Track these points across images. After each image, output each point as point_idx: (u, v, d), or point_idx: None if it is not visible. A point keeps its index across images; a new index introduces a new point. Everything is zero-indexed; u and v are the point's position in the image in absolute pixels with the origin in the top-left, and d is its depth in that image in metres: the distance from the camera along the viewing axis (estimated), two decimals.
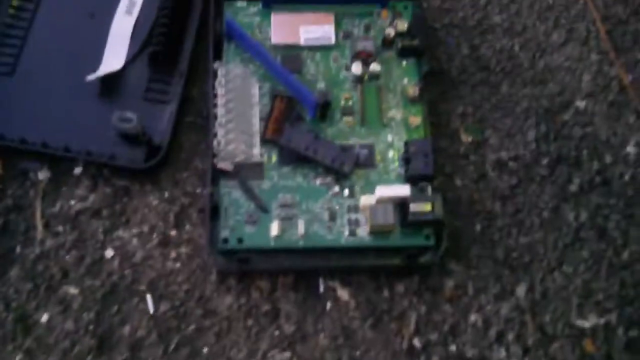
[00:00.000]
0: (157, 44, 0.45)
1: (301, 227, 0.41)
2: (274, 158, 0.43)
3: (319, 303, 0.41)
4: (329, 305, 0.41)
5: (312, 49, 0.47)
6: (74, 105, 0.44)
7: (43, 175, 0.43)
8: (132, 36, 0.46)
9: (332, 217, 0.42)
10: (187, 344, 0.40)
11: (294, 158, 0.43)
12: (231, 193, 0.42)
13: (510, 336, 0.41)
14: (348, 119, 0.45)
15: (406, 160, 0.43)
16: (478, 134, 0.46)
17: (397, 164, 0.44)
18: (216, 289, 0.41)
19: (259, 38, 0.46)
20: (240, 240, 0.41)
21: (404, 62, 0.47)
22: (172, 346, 0.40)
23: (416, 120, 0.45)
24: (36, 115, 0.44)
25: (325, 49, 0.47)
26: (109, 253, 0.42)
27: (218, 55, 0.45)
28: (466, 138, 0.46)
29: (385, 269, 0.42)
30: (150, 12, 0.46)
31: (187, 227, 0.43)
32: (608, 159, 0.46)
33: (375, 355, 0.40)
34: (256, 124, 0.44)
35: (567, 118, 0.47)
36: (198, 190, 0.43)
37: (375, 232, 0.41)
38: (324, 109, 0.44)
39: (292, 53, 0.46)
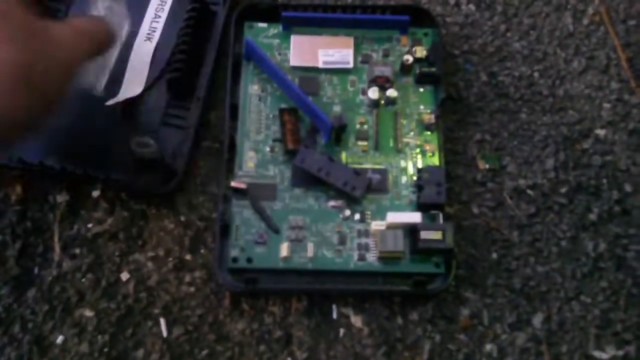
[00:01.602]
0: (176, 70, 0.45)
1: (310, 250, 0.41)
2: (287, 179, 0.43)
3: (332, 329, 0.41)
4: (341, 332, 0.41)
5: (330, 72, 0.47)
6: (94, 129, 0.45)
7: (62, 198, 0.44)
8: (152, 62, 0.47)
9: (342, 241, 0.42)
10: None
11: (307, 180, 0.43)
12: (243, 212, 0.42)
13: None
14: (362, 143, 0.45)
15: (419, 187, 0.43)
16: (496, 161, 0.46)
17: (410, 189, 0.44)
18: (229, 314, 0.41)
19: (277, 60, 0.47)
20: (249, 260, 0.41)
21: (421, 89, 0.47)
22: None
23: (431, 147, 0.45)
24: (55, 139, 0.44)
25: (343, 72, 0.47)
26: (125, 276, 0.42)
27: (236, 77, 0.46)
28: (483, 165, 0.46)
29: (393, 294, 0.42)
30: (170, 37, 0.47)
31: (202, 251, 0.43)
32: (628, 188, 0.45)
33: None
34: (269, 144, 0.45)
35: (586, 146, 0.47)
36: (214, 215, 0.44)
37: (384, 257, 0.41)
38: (338, 133, 0.44)
39: (310, 75, 0.47)
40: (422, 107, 0.46)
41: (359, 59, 0.48)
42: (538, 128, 0.47)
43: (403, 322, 0.41)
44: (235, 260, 0.41)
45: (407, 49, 0.48)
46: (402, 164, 0.44)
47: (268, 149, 0.44)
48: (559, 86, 0.49)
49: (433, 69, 0.46)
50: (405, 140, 0.45)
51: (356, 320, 0.41)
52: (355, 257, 0.42)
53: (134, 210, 0.44)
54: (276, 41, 0.48)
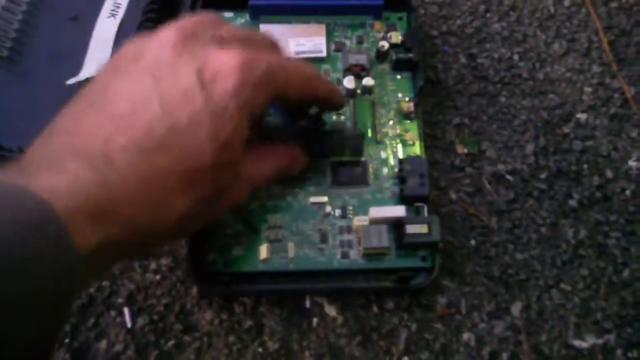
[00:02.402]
0: None
1: (291, 250, 0.39)
2: None
3: (304, 319, 0.40)
4: (315, 321, 0.40)
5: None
6: (55, 109, 0.43)
7: None
8: (116, 39, 0.45)
9: (324, 238, 0.40)
10: None
11: (284, 178, 0.40)
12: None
13: (505, 356, 0.39)
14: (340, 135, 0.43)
15: (401, 179, 0.41)
16: (474, 146, 0.45)
17: (391, 181, 0.42)
18: (197, 303, 0.39)
19: None
20: (227, 264, 0.39)
21: (398, 76, 0.45)
22: None
23: (411, 136, 0.43)
24: (14, 120, 0.42)
25: (316, 61, 0.45)
26: None
27: None
28: (462, 150, 0.45)
29: (377, 291, 0.40)
30: (135, 14, 0.45)
31: None
32: (609, 174, 0.44)
33: None
34: None
35: (567, 131, 0.46)
36: None
37: (368, 254, 0.39)
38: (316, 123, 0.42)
39: None
40: (400, 95, 0.44)
41: (332, 47, 0.46)
42: (518, 112, 0.46)
43: (379, 310, 0.40)
44: (212, 263, 0.39)
45: (381, 34, 0.46)
46: (383, 155, 0.43)
47: None
48: (539, 69, 0.48)
49: (410, 55, 0.44)
50: (384, 130, 0.43)
51: (330, 310, 0.40)
52: (339, 255, 0.40)
53: None
54: None
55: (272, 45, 0.35)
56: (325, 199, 0.41)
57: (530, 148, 0.45)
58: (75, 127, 0.28)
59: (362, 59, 0.44)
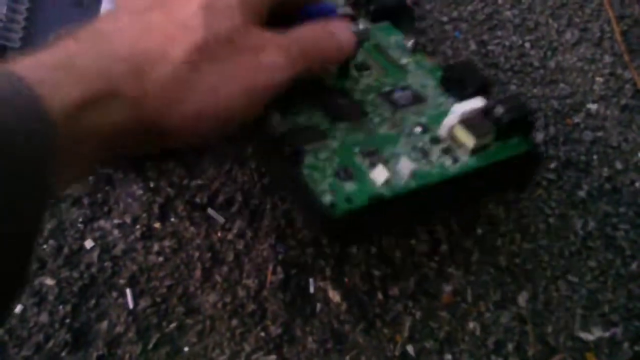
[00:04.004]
0: None
1: (406, 167, 0.35)
2: (324, 121, 0.38)
3: (308, 304, 0.39)
4: (318, 307, 0.39)
5: None
6: None
7: None
8: None
9: (424, 153, 0.37)
10: (167, 342, 0.38)
11: (344, 115, 0.38)
12: (305, 160, 0.35)
13: (510, 346, 0.39)
14: (367, 72, 0.41)
15: (458, 81, 0.40)
16: None
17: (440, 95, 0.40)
18: (200, 286, 0.39)
19: None
20: (349, 200, 0.33)
21: (379, 25, 0.44)
22: (152, 344, 0.37)
23: (430, 59, 0.43)
24: None
25: None
26: (89, 244, 0.40)
27: None
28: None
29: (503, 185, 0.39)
30: None
31: (173, 219, 0.40)
32: (619, 165, 0.44)
33: None
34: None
35: (577, 121, 0.45)
36: (185, 182, 0.41)
37: (477, 150, 0.36)
38: (343, 67, 0.40)
39: None
40: (392, 38, 0.44)
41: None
42: (528, 100, 0.46)
43: (383, 297, 0.40)
44: (333, 205, 0.33)
45: None
46: (418, 77, 0.41)
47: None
48: (550, 58, 0.47)
49: (385, 3, 0.44)
50: (403, 62, 0.42)
51: (334, 295, 0.39)
52: (449, 161, 0.36)
53: (99, 174, 0.41)
54: None
55: None
56: (398, 121, 0.39)
57: (540, 137, 0.44)
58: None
59: (347, 10, 0.43)
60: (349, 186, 0.34)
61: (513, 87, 0.46)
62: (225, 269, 0.40)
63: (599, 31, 0.48)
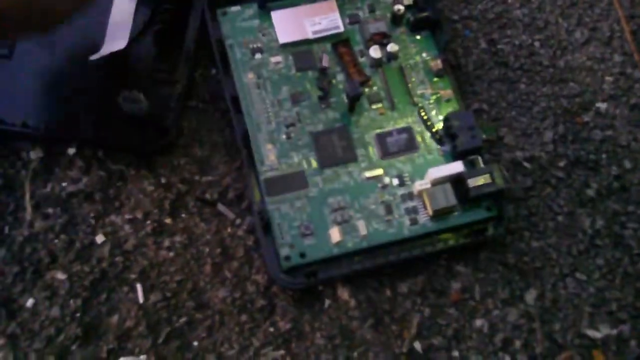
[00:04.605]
0: (161, 21, 0.43)
1: (362, 228, 0.39)
2: (314, 163, 0.41)
3: (317, 301, 0.39)
4: (327, 303, 0.39)
5: (322, 40, 0.44)
6: (78, 86, 0.43)
7: (35, 154, 0.41)
8: (136, 14, 0.44)
9: (389, 210, 0.40)
10: (177, 337, 0.38)
11: (334, 157, 0.41)
12: (280, 208, 0.39)
13: (518, 344, 0.39)
14: (377, 105, 0.43)
15: (451, 136, 0.41)
16: (493, 132, 0.44)
17: (435, 143, 0.42)
18: (210, 281, 0.39)
19: (263, 42, 0.44)
20: (302, 255, 0.38)
21: (418, 36, 0.45)
22: (162, 338, 0.38)
23: (446, 93, 0.43)
24: (36, 99, 0.42)
25: (335, 38, 0.44)
26: (100, 239, 0.40)
27: (227, 69, 0.43)
28: (481, 137, 0.44)
29: (453, 250, 0.40)
30: None
31: (183, 215, 0.41)
32: (627, 164, 0.44)
33: (374, 358, 0.38)
34: (283, 132, 0.42)
35: (586, 120, 0.45)
36: (196, 178, 0.42)
37: (437, 215, 0.39)
38: (353, 102, 0.42)
39: (303, 49, 0.44)
40: (424, 54, 0.44)
41: (347, 21, 0.45)
42: (537, 99, 0.46)
43: (391, 294, 0.40)
44: (287, 259, 0.38)
45: None
46: (424, 117, 0.43)
47: (284, 136, 0.41)
48: (560, 57, 0.47)
49: (426, 13, 0.44)
50: (419, 92, 0.43)
51: (342, 292, 0.40)
52: (408, 222, 0.40)
53: (111, 170, 0.41)
54: (255, 22, 0.44)
55: None
56: (380, 171, 0.41)
57: (549, 136, 0.44)
58: None
59: (381, 26, 0.44)
60: (309, 241, 0.39)
61: (522, 86, 0.46)
62: (235, 264, 0.40)
63: (608, 30, 0.48)
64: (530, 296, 0.40)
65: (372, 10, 0.45)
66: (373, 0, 0.46)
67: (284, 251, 0.38)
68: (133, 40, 0.44)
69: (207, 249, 0.40)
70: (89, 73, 0.43)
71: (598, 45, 0.48)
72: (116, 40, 0.44)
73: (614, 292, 0.41)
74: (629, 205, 0.43)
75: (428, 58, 0.44)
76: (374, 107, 0.43)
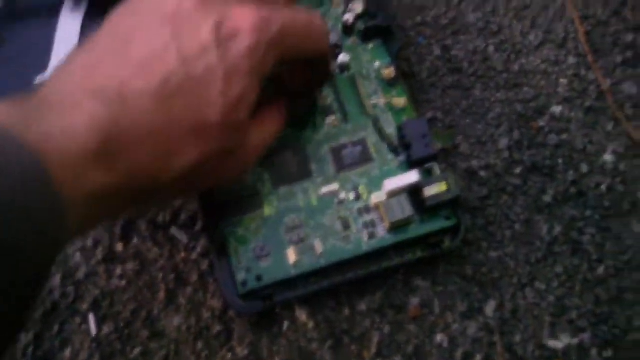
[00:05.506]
0: None
1: (318, 246, 0.38)
2: (267, 182, 0.40)
3: (274, 324, 0.39)
4: (285, 325, 0.39)
5: None
6: None
7: None
8: (82, 33, 0.43)
9: (346, 225, 0.39)
10: None
11: (288, 176, 0.40)
12: (235, 231, 0.39)
13: (478, 357, 0.39)
14: (331, 118, 0.42)
15: (405, 145, 0.40)
16: (448, 140, 0.44)
17: (391, 153, 0.42)
18: (164, 308, 0.39)
19: None
20: (259, 278, 0.38)
21: (370, 45, 0.44)
22: None
23: (400, 101, 0.43)
24: None
25: None
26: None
27: None
28: (435, 145, 0.44)
29: (411, 264, 0.40)
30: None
31: (135, 240, 0.40)
32: (584, 168, 0.44)
33: None
34: None
35: (542, 124, 0.45)
36: None
37: (394, 228, 0.39)
38: (307, 117, 0.42)
39: None
40: (377, 63, 0.44)
41: None
42: (492, 105, 0.45)
43: (350, 313, 0.39)
44: (244, 284, 0.37)
45: (342, 8, 0.45)
46: (378, 127, 0.42)
47: None
48: (514, 61, 0.47)
49: (377, 21, 0.44)
50: (373, 102, 0.43)
51: (300, 313, 0.39)
52: (365, 237, 0.39)
53: None
54: None
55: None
56: (335, 186, 0.40)
57: (504, 142, 0.44)
58: (92, 68, 0.28)
59: (332, 37, 0.43)
60: (265, 263, 0.38)
61: (477, 92, 0.45)
62: (189, 290, 0.39)
63: (563, 32, 0.48)
64: (490, 308, 0.40)
65: None
66: (324, 10, 0.45)
67: (241, 276, 0.38)
68: None
69: (160, 275, 0.39)
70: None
71: (552, 47, 0.48)
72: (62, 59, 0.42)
73: (573, 299, 0.40)
74: (587, 210, 0.43)
75: (381, 67, 0.44)
76: (327, 120, 0.42)
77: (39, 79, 0.41)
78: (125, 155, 0.27)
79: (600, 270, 0.41)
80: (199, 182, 0.32)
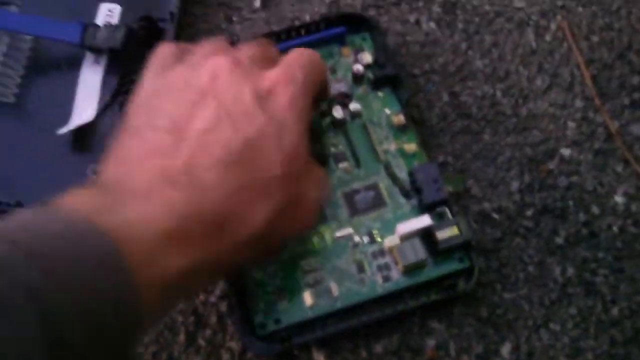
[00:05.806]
0: (128, 92, 0.44)
1: (335, 289, 0.39)
2: None
3: None
4: None
5: None
6: (46, 160, 0.43)
7: None
8: (103, 86, 0.45)
9: (361, 269, 0.40)
10: None
11: None
12: (253, 274, 0.40)
13: None
14: (343, 165, 0.43)
15: (417, 189, 0.42)
16: (459, 184, 0.45)
17: (403, 198, 0.43)
18: (184, 350, 0.39)
19: None
20: (277, 321, 0.38)
21: (380, 94, 0.46)
22: None
23: (411, 146, 0.44)
24: (6, 175, 0.42)
25: None
26: None
27: None
28: (447, 189, 0.44)
29: (425, 307, 0.40)
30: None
31: None
32: (595, 210, 0.44)
33: None
34: None
35: (552, 167, 0.46)
36: None
37: (408, 270, 0.40)
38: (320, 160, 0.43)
39: None
40: (387, 111, 0.45)
41: None
42: (502, 149, 0.46)
43: (367, 355, 0.40)
44: (262, 326, 0.38)
45: (351, 58, 0.47)
46: (390, 172, 0.43)
47: None
48: (522, 105, 0.48)
49: (386, 71, 0.45)
50: (384, 148, 0.44)
51: (318, 355, 0.39)
52: (380, 280, 0.40)
53: None
54: None
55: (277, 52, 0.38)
56: (350, 230, 0.41)
57: (515, 185, 0.45)
58: (151, 153, 0.30)
59: (342, 86, 0.45)
60: (282, 305, 0.39)
61: (486, 137, 0.46)
62: (208, 331, 0.40)
63: (569, 76, 0.49)
64: (506, 350, 0.40)
65: (333, 72, 0.46)
66: (334, 62, 0.47)
67: (259, 318, 0.38)
68: (101, 111, 0.44)
69: (180, 318, 0.40)
70: (54, 146, 0.43)
71: (559, 91, 0.49)
72: (84, 111, 0.44)
73: (588, 341, 0.41)
74: (599, 251, 0.43)
75: (391, 114, 0.45)
76: (340, 166, 0.43)
77: (61, 131, 0.42)
78: (207, 231, 0.28)
79: (615, 311, 0.42)
80: (271, 240, 0.33)
